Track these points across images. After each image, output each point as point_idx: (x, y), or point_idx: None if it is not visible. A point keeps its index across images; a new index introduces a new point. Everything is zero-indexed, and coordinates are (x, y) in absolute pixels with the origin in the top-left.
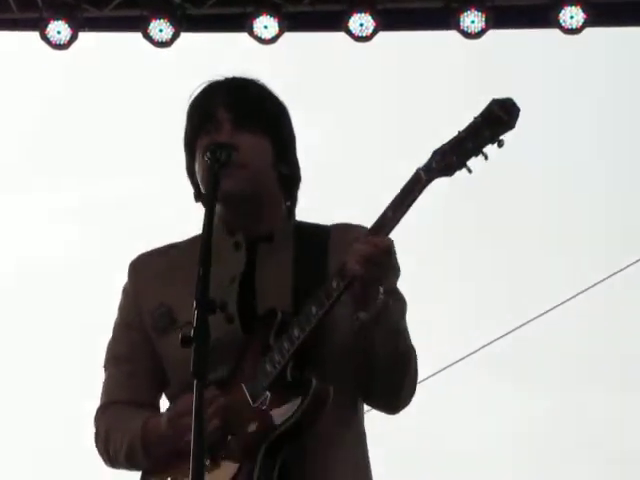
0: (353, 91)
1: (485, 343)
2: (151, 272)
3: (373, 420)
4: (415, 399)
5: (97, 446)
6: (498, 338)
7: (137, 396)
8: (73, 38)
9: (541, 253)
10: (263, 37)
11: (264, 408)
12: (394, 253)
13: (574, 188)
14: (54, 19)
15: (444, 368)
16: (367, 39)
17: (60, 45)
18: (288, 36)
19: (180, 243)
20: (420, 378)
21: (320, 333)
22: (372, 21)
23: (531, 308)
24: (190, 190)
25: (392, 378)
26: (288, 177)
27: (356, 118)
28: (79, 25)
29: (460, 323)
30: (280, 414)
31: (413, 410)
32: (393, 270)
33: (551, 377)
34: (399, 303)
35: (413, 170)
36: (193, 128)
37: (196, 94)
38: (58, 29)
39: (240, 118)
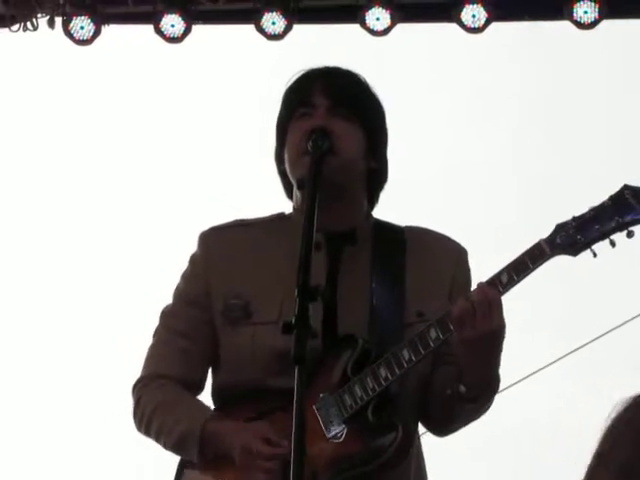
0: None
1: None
2: (225, 249)
3: None
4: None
5: (135, 414)
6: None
7: (187, 374)
8: (187, 31)
9: None
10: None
11: (339, 442)
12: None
13: None
14: (168, 12)
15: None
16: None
17: (173, 38)
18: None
19: (254, 221)
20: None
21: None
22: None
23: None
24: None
25: (471, 417)
26: (376, 173)
27: None
28: (193, 18)
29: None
30: (358, 452)
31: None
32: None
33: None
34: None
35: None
36: (287, 111)
37: (294, 79)
38: (172, 22)
39: (336, 104)
